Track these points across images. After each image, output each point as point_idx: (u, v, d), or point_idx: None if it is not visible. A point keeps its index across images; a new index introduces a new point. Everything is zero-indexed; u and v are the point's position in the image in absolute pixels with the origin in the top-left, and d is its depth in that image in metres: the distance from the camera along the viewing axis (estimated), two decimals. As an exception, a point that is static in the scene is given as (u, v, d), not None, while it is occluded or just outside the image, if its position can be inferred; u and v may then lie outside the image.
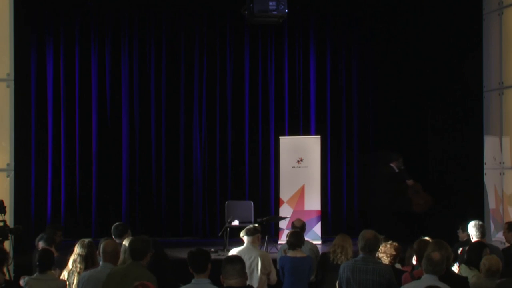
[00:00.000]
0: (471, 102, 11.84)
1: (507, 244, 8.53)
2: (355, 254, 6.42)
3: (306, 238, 8.56)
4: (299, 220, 9.43)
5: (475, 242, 7.66)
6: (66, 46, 13.62)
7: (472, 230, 8.11)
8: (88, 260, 6.78)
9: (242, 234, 7.75)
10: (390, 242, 7.32)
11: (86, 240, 7.00)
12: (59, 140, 13.58)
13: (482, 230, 8.10)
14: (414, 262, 7.15)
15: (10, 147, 10.25)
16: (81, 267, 6.73)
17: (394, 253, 7.36)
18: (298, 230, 8.49)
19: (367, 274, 6.16)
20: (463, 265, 6.97)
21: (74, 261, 6.81)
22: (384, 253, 7.20)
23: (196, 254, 5.59)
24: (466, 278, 6.33)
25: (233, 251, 7.63)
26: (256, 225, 7.90)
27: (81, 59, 13.68)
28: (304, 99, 14.42)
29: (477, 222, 8.16)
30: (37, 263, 6.56)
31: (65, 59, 13.62)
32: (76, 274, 6.70)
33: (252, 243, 7.66)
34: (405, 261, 7.73)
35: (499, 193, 10.95)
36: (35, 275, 6.58)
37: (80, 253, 6.83)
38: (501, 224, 10.42)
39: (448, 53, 12.39)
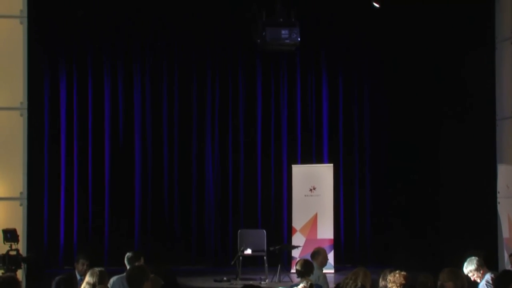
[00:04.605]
0: (484, 130, 11.81)
1: None
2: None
3: None
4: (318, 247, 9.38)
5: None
6: (79, 75, 13.68)
7: (471, 266, 7.90)
8: None
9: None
10: (398, 271, 7.26)
11: (97, 269, 6.98)
12: (72, 169, 13.58)
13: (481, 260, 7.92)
14: None
15: (23, 176, 10.28)
16: None
17: (403, 281, 7.30)
18: (305, 258, 8.44)
19: None
20: None
21: None
22: (394, 282, 7.14)
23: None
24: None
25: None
26: None
27: (94, 87, 13.73)
28: (317, 127, 14.39)
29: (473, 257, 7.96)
30: None
31: (78, 87, 13.67)
32: None
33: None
34: None
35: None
36: None
37: (89, 281, 6.82)
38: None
39: (462, 81, 12.37)
